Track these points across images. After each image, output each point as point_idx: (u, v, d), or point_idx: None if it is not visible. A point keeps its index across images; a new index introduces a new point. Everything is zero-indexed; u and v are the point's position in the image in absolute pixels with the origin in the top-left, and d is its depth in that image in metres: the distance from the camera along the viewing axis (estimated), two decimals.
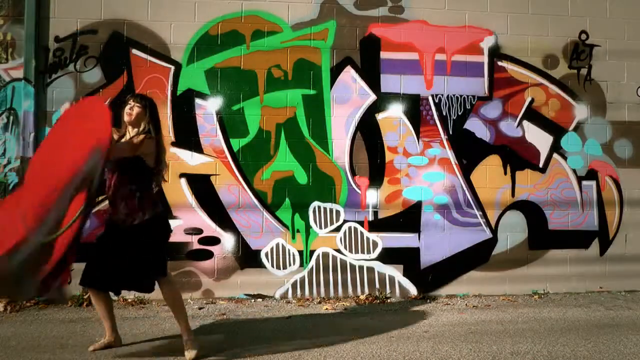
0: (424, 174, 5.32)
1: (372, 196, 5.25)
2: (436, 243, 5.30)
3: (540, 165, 5.49)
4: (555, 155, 5.50)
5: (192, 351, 3.46)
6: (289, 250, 5.14)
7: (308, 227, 5.17)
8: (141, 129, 3.47)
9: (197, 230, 5.01)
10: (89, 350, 3.62)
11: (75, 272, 3.51)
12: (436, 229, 5.31)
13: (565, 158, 5.51)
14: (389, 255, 5.24)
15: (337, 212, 5.21)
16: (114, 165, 3.41)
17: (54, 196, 3.02)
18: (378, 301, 5.08)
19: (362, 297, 5.14)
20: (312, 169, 5.18)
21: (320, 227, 5.19)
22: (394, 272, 5.26)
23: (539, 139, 5.48)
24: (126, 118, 3.50)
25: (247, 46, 5.12)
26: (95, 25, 4.98)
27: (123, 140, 3.50)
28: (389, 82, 5.29)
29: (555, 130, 5.50)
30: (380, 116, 5.28)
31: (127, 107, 3.51)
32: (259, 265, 5.10)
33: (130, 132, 3.52)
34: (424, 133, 5.32)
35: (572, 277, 5.49)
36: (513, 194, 5.43)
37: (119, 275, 3.42)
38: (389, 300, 5.13)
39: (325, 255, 5.19)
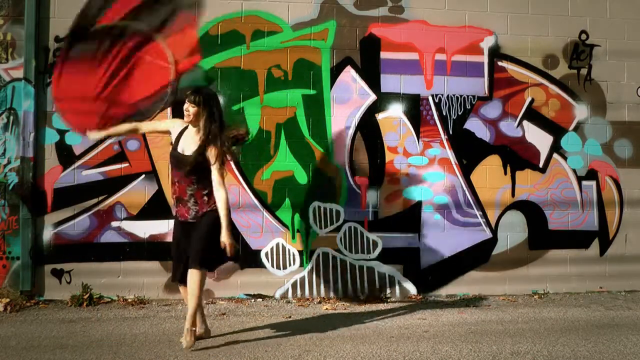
0: (424, 174, 5.32)
1: (372, 196, 5.25)
2: (436, 243, 5.30)
3: (540, 165, 5.49)
4: (555, 155, 5.50)
5: (188, 340, 3.55)
6: (289, 250, 5.14)
7: (308, 227, 5.17)
8: (202, 132, 3.57)
9: None
10: (180, 341, 3.67)
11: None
12: (436, 229, 5.31)
13: (565, 158, 5.51)
14: (389, 255, 5.24)
15: (337, 212, 5.21)
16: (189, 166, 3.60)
17: None
18: (378, 301, 5.08)
19: (362, 297, 5.14)
20: (312, 169, 5.18)
21: (320, 227, 5.18)
22: (394, 272, 5.26)
23: (539, 139, 5.47)
24: (186, 119, 3.65)
25: (247, 46, 5.12)
26: None
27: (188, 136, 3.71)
28: (389, 82, 5.29)
29: (555, 130, 5.50)
30: (380, 116, 5.28)
31: (185, 106, 3.64)
32: (259, 265, 5.10)
33: (197, 130, 3.65)
34: (424, 133, 5.32)
35: (572, 277, 5.49)
36: (513, 194, 5.43)
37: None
38: (389, 300, 5.13)
39: (325, 255, 5.19)
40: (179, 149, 3.67)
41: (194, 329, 3.61)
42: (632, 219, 5.57)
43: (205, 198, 3.62)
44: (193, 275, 3.57)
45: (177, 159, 3.66)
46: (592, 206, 5.54)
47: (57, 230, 4.90)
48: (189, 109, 3.60)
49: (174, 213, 3.86)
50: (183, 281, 3.72)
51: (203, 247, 3.58)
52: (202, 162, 3.57)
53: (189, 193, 3.63)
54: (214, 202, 3.59)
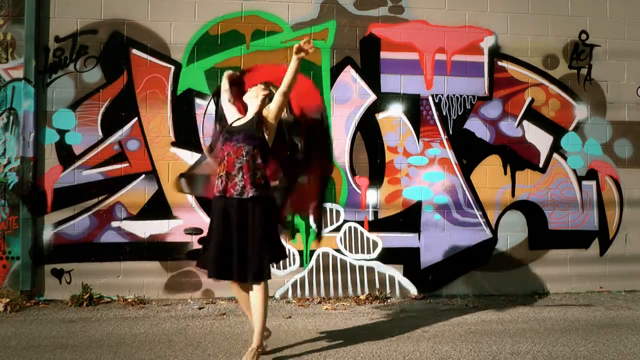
0: (424, 174, 5.32)
1: (372, 196, 5.25)
2: (436, 243, 5.30)
3: (540, 165, 5.49)
4: (555, 155, 5.50)
5: None
6: (289, 250, 5.14)
7: (308, 227, 5.17)
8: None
9: (197, 230, 5.01)
10: None
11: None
12: (436, 229, 5.31)
13: (565, 158, 5.51)
14: (389, 255, 5.24)
15: (337, 212, 5.21)
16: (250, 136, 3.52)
17: None
18: (378, 301, 5.09)
19: (362, 297, 5.14)
20: None
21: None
22: (394, 272, 5.26)
23: (539, 139, 5.48)
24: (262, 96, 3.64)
25: (247, 46, 5.12)
26: (95, 25, 4.98)
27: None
28: (389, 82, 5.29)
29: (555, 130, 5.50)
30: (380, 116, 5.28)
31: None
32: None
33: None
34: (424, 133, 5.32)
35: (572, 277, 5.49)
36: (513, 194, 5.43)
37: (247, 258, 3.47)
38: (389, 300, 5.13)
39: (325, 255, 5.19)
40: (234, 124, 3.64)
41: (259, 350, 3.39)
42: (632, 219, 5.57)
43: (251, 173, 3.45)
44: (257, 290, 3.44)
45: (230, 130, 3.59)
46: (592, 206, 5.54)
47: (57, 230, 4.91)
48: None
49: (215, 193, 3.52)
50: (227, 278, 3.56)
51: (263, 251, 3.46)
52: (256, 129, 3.53)
53: (238, 166, 3.46)
54: (260, 181, 3.48)
